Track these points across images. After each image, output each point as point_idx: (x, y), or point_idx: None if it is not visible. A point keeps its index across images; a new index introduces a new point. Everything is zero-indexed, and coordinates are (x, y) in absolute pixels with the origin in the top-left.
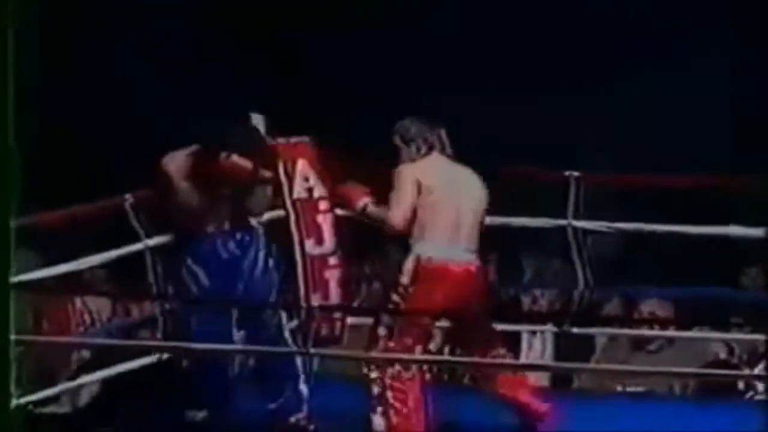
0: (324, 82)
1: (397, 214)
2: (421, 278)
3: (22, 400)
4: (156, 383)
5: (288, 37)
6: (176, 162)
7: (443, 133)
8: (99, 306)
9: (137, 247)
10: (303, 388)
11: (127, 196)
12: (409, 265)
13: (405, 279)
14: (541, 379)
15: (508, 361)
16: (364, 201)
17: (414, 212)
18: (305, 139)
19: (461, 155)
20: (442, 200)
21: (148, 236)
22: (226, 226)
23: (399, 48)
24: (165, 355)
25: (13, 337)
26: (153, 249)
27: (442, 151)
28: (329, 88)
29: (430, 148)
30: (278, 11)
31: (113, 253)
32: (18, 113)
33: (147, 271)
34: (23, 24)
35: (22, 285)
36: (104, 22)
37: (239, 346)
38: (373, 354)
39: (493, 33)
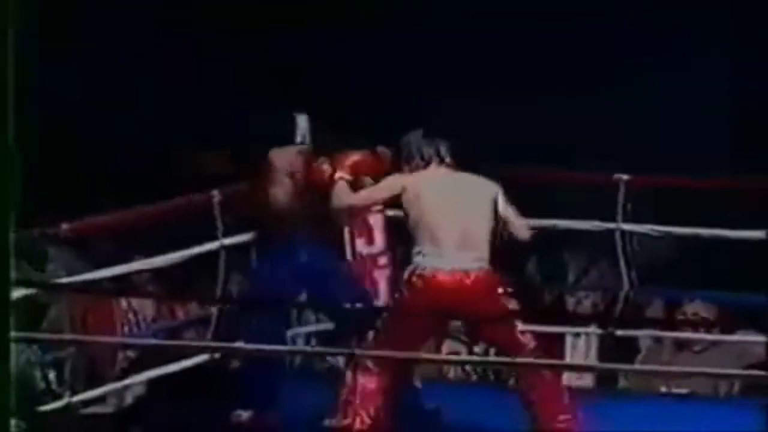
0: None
1: (358, 196)
2: (410, 287)
3: (73, 399)
4: (204, 384)
5: (338, 31)
6: (283, 157)
7: (442, 145)
8: (143, 306)
9: (213, 245)
10: None
11: (215, 192)
12: (405, 274)
13: (402, 291)
14: (585, 380)
15: (552, 360)
16: (341, 174)
17: (408, 223)
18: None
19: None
20: (432, 210)
21: (226, 235)
22: (309, 229)
23: (446, 46)
24: (216, 356)
25: (12, 334)
26: (228, 248)
27: (441, 162)
28: (380, 88)
29: (428, 163)
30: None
31: (188, 252)
32: (18, 114)
33: (218, 270)
34: (23, 24)
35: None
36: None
37: (283, 347)
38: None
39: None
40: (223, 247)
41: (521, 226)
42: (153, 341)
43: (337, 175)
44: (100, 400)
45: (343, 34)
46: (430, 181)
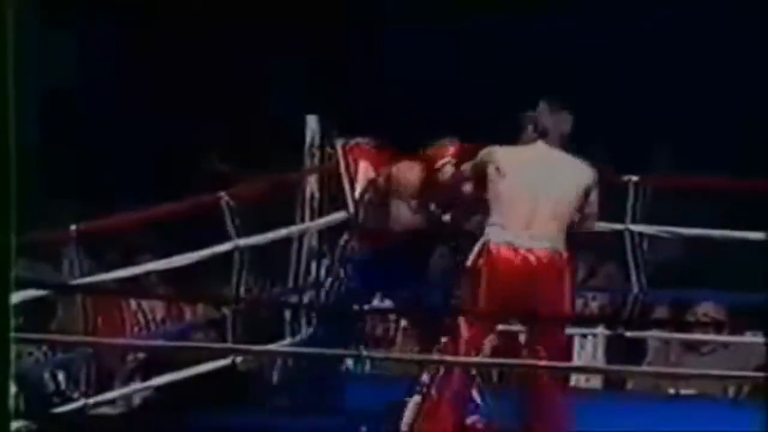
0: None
1: (448, 174)
2: (481, 261)
3: (90, 401)
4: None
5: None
6: (406, 170)
7: (563, 119)
8: (153, 307)
9: (227, 247)
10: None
11: (222, 194)
12: (475, 247)
13: (469, 261)
14: (593, 381)
15: (562, 363)
16: (444, 161)
17: (486, 195)
18: (367, 140)
19: None
20: (514, 187)
21: (239, 236)
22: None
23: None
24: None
25: (12, 335)
26: (242, 249)
27: (551, 140)
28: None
29: (543, 135)
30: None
31: (203, 253)
32: (18, 113)
33: (233, 272)
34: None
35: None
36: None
37: (289, 349)
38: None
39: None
40: (237, 248)
41: (592, 218)
42: (164, 343)
43: (440, 162)
44: (110, 401)
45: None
46: (523, 157)
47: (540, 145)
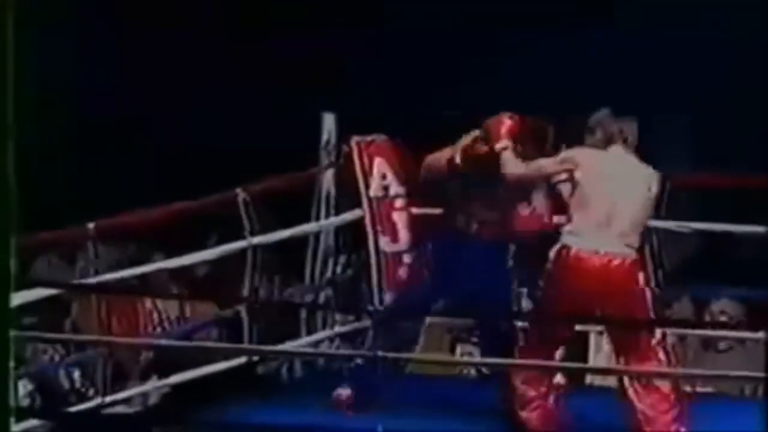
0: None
1: (530, 166)
2: (559, 266)
3: (106, 399)
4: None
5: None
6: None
7: (629, 126)
8: (167, 305)
9: (241, 244)
10: None
11: (239, 190)
12: (552, 252)
13: (548, 265)
14: (607, 380)
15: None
16: (504, 143)
17: (567, 201)
18: (382, 137)
19: None
20: (593, 191)
21: (253, 234)
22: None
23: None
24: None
25: (12, 333)
26: (256, 247)
27: (624, 143)
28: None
29: (609, 140)
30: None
31: (217, 250)
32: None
33: (246, 269)
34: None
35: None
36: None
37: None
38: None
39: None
40: (252, 246)
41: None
42: (180, 343)
43: (498, 146)
44: (125, 400)
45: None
46: (603, 162)
47: (616, 149)
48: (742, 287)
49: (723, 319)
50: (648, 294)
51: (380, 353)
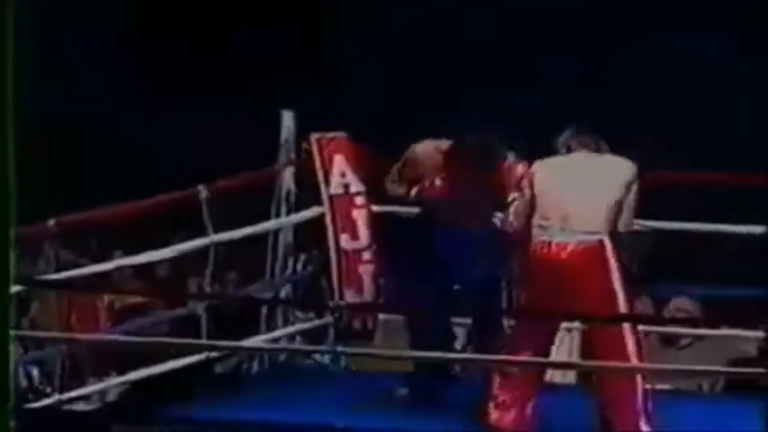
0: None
1: (512, 218)
2: (528, 260)
3: (63, 396)
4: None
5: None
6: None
7: (597, 142)
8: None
9: (203, 242)
10: None
11: (201, 188)
12: (526, 251)
13: (522, 264)
14: (567, 377)
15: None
16: (515, 196)
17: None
18: (342, 134)
19: None
20: (550, 187)
21: (216, 231)
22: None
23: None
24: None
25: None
26: (218, 245)
27: (584, 148)
28: (365, 83)
29: (568, 150)
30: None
31: (178, 248)
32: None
33: (207, 266)
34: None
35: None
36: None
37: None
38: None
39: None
40: (213, 243)
41: (625, 221)
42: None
43: (512, 196)
44: (84, 397)
45: (378, 27)
46: (560, 162)
47: (578, 153)
48: (701, 285)
49: (681, 316)
50: (616, 281)
51: (340, 348)
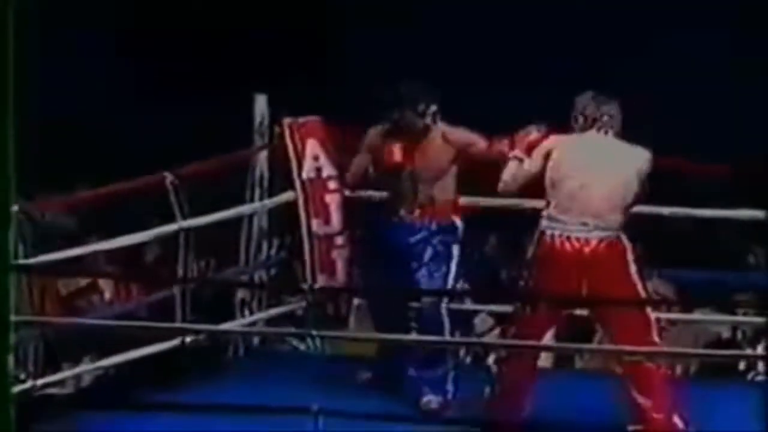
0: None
1: (505, 177)
2: (539, 251)
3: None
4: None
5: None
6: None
7: (612, 110)
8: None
9: (172, 227)
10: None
11: (167, 174)
12: (533, 239)
13: (528, 253)
14: (544, 360)
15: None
16: (516, 153)
17: (542, 185)
18: (315, 118)
19: None
20: (568, 175)
21: (184, 217)
22: (409, 213)
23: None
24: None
25: (13, 318)
26: (187, 230)
27: (603, 128)
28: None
29: (591, 125)
30: None
31: (148, 233)
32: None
33: (179, 252)
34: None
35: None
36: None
37: (238, 329)
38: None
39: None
40: (182, 229)
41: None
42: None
43: (512, 153)
44: (59, 382)
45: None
46: (578, 146)
47: (592, 133)
48: (674, 268)
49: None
50: (630, 275)
51: (314, 332)
